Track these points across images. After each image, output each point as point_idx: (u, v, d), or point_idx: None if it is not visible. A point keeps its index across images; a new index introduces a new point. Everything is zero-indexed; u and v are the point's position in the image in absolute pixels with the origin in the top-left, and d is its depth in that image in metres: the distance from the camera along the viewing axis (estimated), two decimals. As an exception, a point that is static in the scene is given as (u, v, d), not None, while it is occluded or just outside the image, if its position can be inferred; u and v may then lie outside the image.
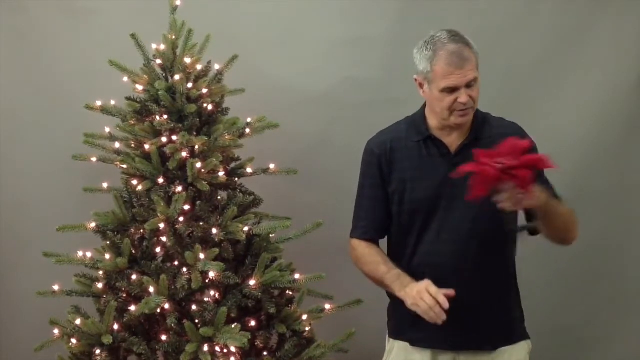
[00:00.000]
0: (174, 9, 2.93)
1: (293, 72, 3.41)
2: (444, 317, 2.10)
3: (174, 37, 2.90)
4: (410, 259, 2.30)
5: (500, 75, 3.26)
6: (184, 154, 2.75)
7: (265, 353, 2.81)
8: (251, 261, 2.80)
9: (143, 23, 3.01)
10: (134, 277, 2.73)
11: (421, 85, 2.28)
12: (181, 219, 2.73)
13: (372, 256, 2.34)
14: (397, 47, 3.39)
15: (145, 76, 2.89)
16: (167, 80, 2.89)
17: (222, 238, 2.73)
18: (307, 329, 2.83)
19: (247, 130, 2.93)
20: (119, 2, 3.39)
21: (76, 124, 3.11)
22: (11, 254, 3.52)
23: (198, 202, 2.77)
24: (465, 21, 3.33)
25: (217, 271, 2.64)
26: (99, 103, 2.95)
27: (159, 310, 2.67)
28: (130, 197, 2.87)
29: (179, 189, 2.76)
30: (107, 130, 2.99)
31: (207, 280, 2.71)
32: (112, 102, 2.96)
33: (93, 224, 2.83)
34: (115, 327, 2.73)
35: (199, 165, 2.74)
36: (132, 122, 2.87)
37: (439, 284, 2.16)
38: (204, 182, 2.75)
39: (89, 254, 2.82)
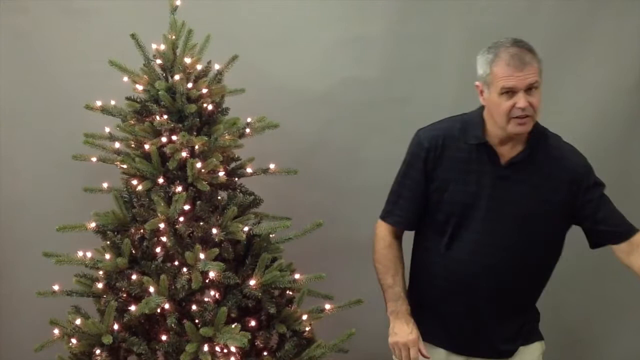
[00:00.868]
0: (174, 9, 2.92)
1: (293, 72, 3.41)
2: None
3: (174, 37, 2.89)
4: (440, 259, 2.29)
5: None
6: (184, 154, 2.75)
7: (265, 353, 2.80)
8: (251, 261, 2.80)
9: (143, 23, 3.01)
10: (134, 277, 2.73)
11: (482, 92, 2.22)
12: (181, 219, 2.73)
13: (387, 260, 2.34)
14: (397, 47, 3.40)
15: (145, 76, 2.89)
16: (167, 80, 2.89)
17: (222, 238, 2.72)
18: (307, 329, 2.83)
19: (247, 130, 2.92)
20: (119, 2, 3.39)
21: (76, 124, 3.11)
22: (11, 254, 3.52)
23: (198, 202, 2.77)
24: (465, 21, 3.34)
25: (217, 271, 2.64)
26: (99, 103, 2.95)
27: (159, 310, 2.67)
28: (130, 197, 2.87)
29: (179, 189, 2.75)
30: (107, 130, 2.98)
31: (207, 280, 2.71)
32: (112, 102, 2.96)
33: (93, 224, 2.83)
34: (115, 327, 2.72)
35: (199, 165, 2.74)
36: (132, 122, 2.87)
37: (461, 291, 2.16)
38: (204, 182, 2.75)
39: (89, 254, 2.82)
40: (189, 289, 2.67)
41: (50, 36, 3.44)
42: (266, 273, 2.73)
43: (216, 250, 2.68)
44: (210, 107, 2.88)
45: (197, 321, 2.70)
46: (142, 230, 2.79)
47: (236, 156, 2.98)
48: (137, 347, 2.71)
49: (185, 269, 2.70)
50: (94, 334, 2.70)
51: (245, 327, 2.71)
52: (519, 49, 2.14)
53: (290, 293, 2.91)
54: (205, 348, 2.62)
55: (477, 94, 2.25)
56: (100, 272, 2.81)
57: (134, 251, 2.79)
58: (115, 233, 2.81)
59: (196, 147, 2.79)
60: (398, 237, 2.40)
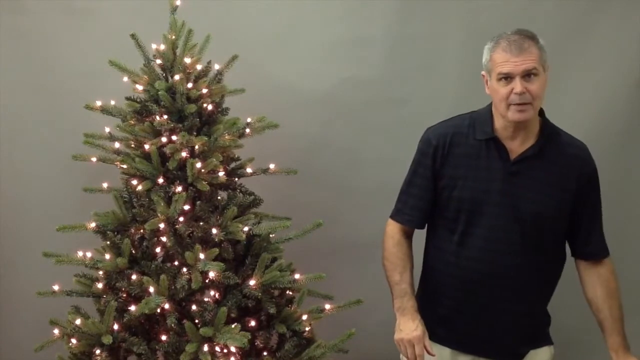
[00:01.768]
0: (174, 9, 2.93)
1: (293, 72, 3.41)
2: None
3: (174, 37, 2.89)
4: (451, 257, 2.29)
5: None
6: (184, 154, 2.75)
7: (265, 353, 2.80)
8: (251, 261, 2.80)
9: (143, 23, 3.01)
10: (134, 277, 2.73)
11: (486, 82, 2.23)
12: (181, 219, 2.73)
13: (396, 257, 2.34)
14: (397, 47, 3.40)
15: (145, 76, 2.89)
16: (167, 80, 2.89)
17: (222, 238, 2.73)
18: (307, 329, 2.83)
19: (247, 130, 2.92)
20: (119, 2, 3.39)
21: (76, 124, 3.11)
22: (11, 254, 3.52)
23: (198, 202, 2.77)
24: (465, 21, 3.34)
25: (217, 271, 2.64)
26: (99, 103, 2.95)
27: (159, 310, 2.67)
28: (130, 197, 2.87)
29: (179, 189, 2.76)
30: (107, 130, 2.99)
31: (207, 280, 2.71)
32: (112, 102, 2.96)
33: (93, 224, 2.83)
34: (115, 327, 2.73)
35: (199, 165, 2.74)
36: (132, 122, 2.87)
37: (473, 290, 2.16)
38: (204, 182, 2.75)
39: (89, 254, 2.82)
40: (189, 289, 2.67)
41: (51, 36, 3.44)
42: (266, 273, 2.73)
43: (216, 250, 2.68)
44: (210, 107, 2.88)
45: (197, 321, 2.70)
46: (142, 230, 2.79)
47: (236, 156, 2.98)
48: (137, 347, 2.71)
49: (185, 269, 2.70)
50: (94, 334, 2.70)
51: (245, 327, 2.71)
52: (519, 36, 2.15)
53: (290, 293, 2.91)
54: (205, 348, 2.62)
55: (483, 86, 2.25)
56: (100, 272, 2.81)
57: (134, 251, 2.79)
58: (115, 233, 2.81)
59: (196, 147, 2.79)
60: (408, 235, 2.40)
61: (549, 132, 2.24)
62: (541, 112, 2.27)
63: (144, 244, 2.81)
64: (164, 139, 2.80)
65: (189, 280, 2.65)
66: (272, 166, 3.01)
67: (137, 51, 2.90)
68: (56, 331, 2.80)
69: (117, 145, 2.93)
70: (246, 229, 2.76)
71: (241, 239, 2.74)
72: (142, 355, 2.73)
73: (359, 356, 2.98)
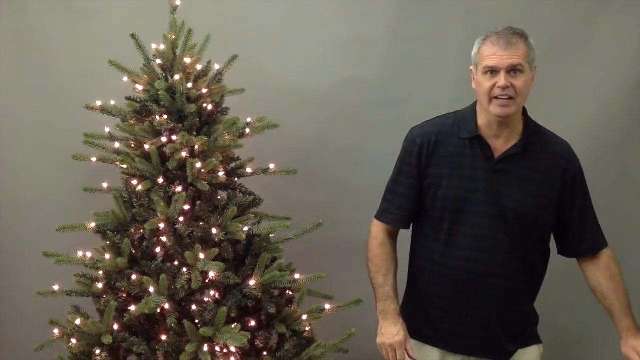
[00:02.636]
0: (174, 9, 2.93)
1: (293, 72, 3.41)
2: None
3: (174, 37, 2.89)
4: (437, 255, 2.29)
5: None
6: (184, 154, 2.75)
7: (265, 353, 2.80)
8: (251, 261, 2.80)
9: (143, 23, 3.01)
10: (134, 277, 2.73)
11: (473, 77, 2.26)
12: (181, 219, 2.73)
13: (380, 259, 2.34)
14: (397, 47, 3.40)
15: (145, 76, 2.89)
16: (167, 80, 2.89)
17: (222, 238, 2.73)
18: (307, 329, 2.83)
19: (247, 130, 2.93)
20: (119, 2, 3.39)
21: (76, 124, 3.11)
22: (11, 254, 3.52)
23: (198, 202, 2.77)
24: (465, 21, 3.34)
25: (217, 271, 2.64)
26: (99, 103, 2.95)
27: (159, 310, 2.67)
28: (130, 197, 2.87)
29: (179, 189, 2.76)
30: (107, 130, 2.99)
31: (207, 280, 2.71)
32: (112, 102, 2.96)
33: (93, 224, 2.83)
34: (115, 327, 2.72)
35: (199, 165, 2.74)
36: (132, 122, 2.88)
37: (460, 288, 2.16)
38: (204, 182, 2.75)
39: (89, 254, 2.82)
40: (189, 289, 2.67)
41: (50, 36, 3.44)
42: (266, 273, 2.73)
43: (216, 250, 2.68)
44: (210, 107, 2.88)
45: (197, 321, 2.70)
46: (142, 230, 2.79)
47: (236, 156, 2.98)
48: (137, 347, 2.71)
49: (185, 269, 2.70)
50: (94, 334, 2.70)
51: (245, 327, 2.71)
52: (509, 32, 2.18)
53: (290, 293, 2.91)
54: (205, 348, 2.62)
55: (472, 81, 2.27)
56: (100, 272, 2.81)
57: (133, 251, 2.79)
58: (115, 233, 2.81)
59: (196, 147, 2.79)
60: (393, 236, 2.40)
61: (532, 131, 2.26)
62: (525, 112, 2.28)
63: (144, 244, 2.81)
64: (164, 139, 2.80)
65: (189, 280, 2.65)
66: (272, 166, 3.01)
67: (137, 51, 2.90)
68: (56, 331, 2.80)
69: (117, 145, 2.93)
70: (246, 229, 2.76)
71: (241, 239, 2.74)
72: (142, 355, 2.73)
73: (359, 356, 2.98)
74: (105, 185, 2.94)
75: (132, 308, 2.69)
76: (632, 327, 2.23)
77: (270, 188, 3.06)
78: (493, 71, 2.15)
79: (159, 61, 2.90)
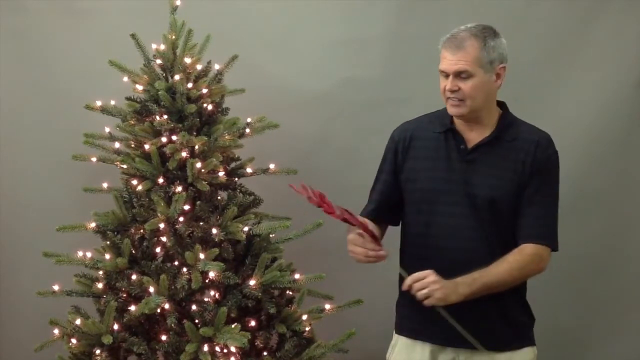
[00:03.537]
0: (174, 9, 2.93)
1: (293, 72, 3.41)
2: (383, 253, 2.14)
3: (174, 37, 2.90)
4: (419, 249, 2.30)
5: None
6: (184, 154, 2.75)
7: (265, 353, 2.80)
8: (251, 261, 2.80)
9: (143, 23, 3.01)
10: (134, 277, 2.73)
11: None
12: (181, 219, 2.73)
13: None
14: (397, 47, 3.40)
15: (145, 76, 2.89)
16: (167, 80, 2.89)
17: (222, 238, 2.73)
18: (307, 329, 2.83)
19: (247, 130, 2.93)
20: (119, 2, 3.39)
21: (76, 124, 3.11)
22: (11, 254, 3.52)
23: (198, 202, 2.77)
24: (465, 21, 3.33)
25: (217, 271, 2.64)
26: (99, 103, 2.95)
27: (159, 310, 2.67)
28: (130, 197, 2.87)
29: (179, 189, 2.76)
30: (107, 130, 2.99)
31: (207, 280, 2.71)
32: (112, 102, 2.96)
33: (93, 224, 2.83)
34: (115, 327, 2.73)
35: (199, 165, 2.74)
36: (132, 122, 2.88)
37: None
38: (204, 182, 2.75)
39: (89, 254, 2.83)
40: (189, 289, 2.67)
41: (50, 36, 3.44)
42: (266, 273, 2.73)
43: (216, 250, 2.68)
44: (210, 107, 2.88)
45: (197, 321, 2.70)
46: (142, 230, 2.79)
47: (236, 156, 2.98)
48: (137, 347, 2.71)
49: (185, 269, 2.70)
50: (94, 334, 2.70)
51: (245, 327, 2.71)
52: (466, 33, 2.18)
53: (290, 293, 2.91)
54: (205, 348, 2.62)
55: None
56: (100, 272, 2.81)
57: (134, 251, 2.79)
58: (115, 233, 2.81)
59: (196, 147, 2.79)
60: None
61: (508, 123, 2.27)
62: (503, 106, 2.30)
63: (144, 244, 2.81)
64: (164, 139, 2.80)
65: (189, 280, 2.65)
66: (272, 166, 3.01)
67: (137, 51, 2.90)
68: (56, 331, 2.80)
69: (117, 145, 2.93)
70: (246, 229, 2.76)
71: (241, 239, 2.74)
72: (142, 355, 2.73)
73: (359, 356, 2.98)
74: (105, 185, 2.94)
75: (132, 308, 2.69)
76: (455, 280, 2.13)
77: (270, 188, 3.06)
78: (444, 73, 2.20)
79: (159, 61, 2.90)
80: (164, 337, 2.72)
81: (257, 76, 3.27)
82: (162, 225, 2.71)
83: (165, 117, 2.82)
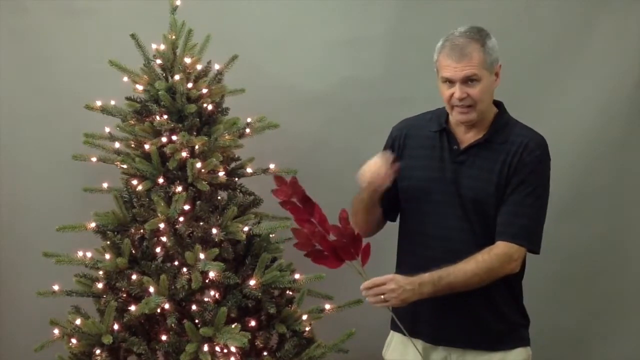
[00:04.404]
0: (174, 9, 2.93)
1: (293, 72, 3.41)
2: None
3: (174, 37, 2.90)
4: (411, 246, 2.32)
5: (500, 74, 3.26)
6: (184, 154, 2.75)
7: (265, 353, 2.81)
8: (251, 261, 2.80)
9: (143, 23, 3.01)
10: (134, 277, 2.73)
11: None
12: (181, 219, 2.73)
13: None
14: (397, 47, 3.40)
15: (145, 76, 2.89)
16: (167, 80, 2.89)
17: (222, 238, 2.73)
18: (307, 329, 2.84)
19: (247, 130, 2.93)
20: (119, 2, 3.39)
21: (76, 124, 3.11)
22: (11, 254, 3.52)
23: (198, 202, 2.77)
24: (465, 21, 3.33)
25: (217, 271, 2.64)
26: (99, 103, 2.95)
27: (159, 310, 2.67)
28: (130, 197, 2.87)
29: (179, 189, 2.76)
30: (107, 130, 2.99)
31: (207, 280, 2.71)
32: (112, 102, 2.96)
33: (93, 224, 2.83)
34: (115, 327, 2.73)
35: (199, 165, 2.74)
36: (132, 122, 2.88)
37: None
38: (204, 182, 2.75)
39: (89, 254, 2.83)
40: (189, 289, 2.67)
41: (50, 36, 3.44)
42: (266, 273, 2.73)
43: (216, 250, 2.68)
44: (210, 107, 2.88)
45: (197, 321, 2.70)
46: (142, 230, 2.79)
47: (236, 156, 2.98)
48: (137, 347, 2.71)
49: (185, 269, 2.70)
50: (94, 334, 2.70)
51: (245, 327, 2.71)
52: (465, 39, 2.17)
53: (290, 293, 2.91)
54: (205, 348, 2.62)
55: None
56: (100, 272, 2.81)
57: (134, 251, 2.80)
58: (115, 233, 2.81)
59: (196, 147, 2.79)
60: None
61: (502, 124, 2.26)
62: (500, 106, 2.29)
63: (144, 244, 2.81)
64: (164, 139, 2.80)
65: (189, 280, 2.65)
66: (272, 166, 3.01)
67: (137, 51, 2.90)
68: (56, 331, 2.80)
69: (117, 145, 2.94)
70: (246, 229, 2.76)
71: (241, 239, 2.74)
72: (142, 355, 2.73)
73: (359, 356, 2.98)
74: (105, 185, 2.94)
75: (132, 308, 2.69)
76: (421, 277, 2.13)
77: (270, 188, 3.05)
78: (450, 81, 2.18)
79: (159, 61, 2.90)
80: (164, 337, 2.72)
81: (257, 76, 3.27)
82: (162, 225, 2.71)
83: (165, 117, 2.82)
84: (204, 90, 2.87)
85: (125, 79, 2.92)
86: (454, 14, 3.32)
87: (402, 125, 2.40)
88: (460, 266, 2.14)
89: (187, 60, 2.89)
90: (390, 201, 2.37)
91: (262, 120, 2.98)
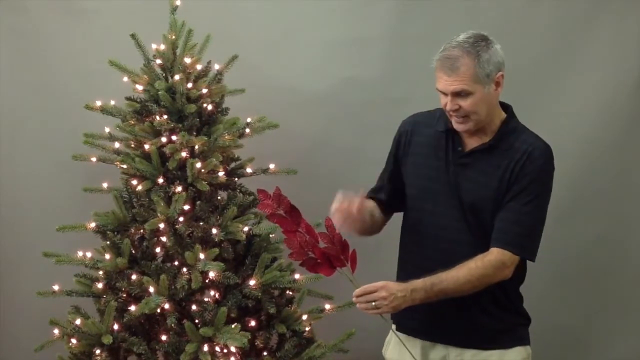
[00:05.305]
0: (174, 9, 2.93)
1: (293, 72, 3.41)
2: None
3: (174, 37, 2.90)
4: (412, 245, 2.32)
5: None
6: (184, 154, 2.76)
7: (265, 353, 2.81)
8: (251, 261, 2.80)
9: (143, 23, 3.01)
10: (134, 277, 2.73)
11: None
12: (181, 219, 2.73)
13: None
14: (397, 47, 3.40)
15: (145, 76, 2.89)
16: (167, 80, 2.89)
17: (222, 238, 2.73)
18: (307, 329, 2.84)
19: (247, 130, 2.93)
20: (119, 2, 3.39)
21: (76, 124, 3.12)
22: (11, 254, 3.52)
23: (198, 202, 2.77)
24: (465, 21, 3.33)
25: (217, 271, 2.64)
26: (99, 103, 2.95)
27: (159, 310, 2.67)
28: (130, 197, 2.87)
29: (179, 189, 2.76)
30: (107, 130, 2.99)
31: (207, 280, 2.71)
32: (112, 102, 2.96)
33: (93, 224, 2.83)
34: (115, 327, 2.73)
35: (198, 165, 2.74)
36: (132, 122, 2.88)
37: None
38: (204, 182, 2.75)
39: (89, 254, 2.83)
40: (189, 289, 2.67)
41: (50, 36, 3.43)
42: (266, 273, 2.73)
43: (216, 250, 2.68)
44: (210, 107, 2.88)
45: (197, 321, 2.70)
46: (142, 230, 2.79)
47: (236, 156, 2.98)
48: (137, 347, 2.71)
49: (185, 269, 2.70)
50: (94, 334, 2.70)
51: (245, 327, 2.71)
52: (458, 51, 2.14)
53: (290, 293, 2.91)
54: (205, 348, 2.62)
55: None
56: (100, 272, 2.81)
57: (133, 251, 2.80)
58: (115, 233, 2.81)
59: (196, 147, 2.79)
60: (380, 210, 2.40)
61: (509, 130, 2.24)
62: (508, 110, 2.28)
63: (144, 244, 2.81)
64: (164, 139, 2.80)
65: (189, 280, 2.65)
66: (272, 166, 3.01)
67: (137, 51, 2.90)
68: (56, 331, 2.80)
69: (117, 145, 2.93)
70: (246, 229, 2.76)
71: (241, 239, 2.74)
72: (142, 355, 2.73)
73: (359, 356, 2.98)
74: (105, 185, 2.94)
75: (132, 308, 2.69)
76: (413, 283, 2.14)
77: (270, 188, 3.05)
78: (442, 92, 2.19)
79: (159, 61, 2.90)
80: (164, 337, 2.73)
81: (257, 76, 3.27)
82: (162, 225, 2.71)
83: (165, 117, 2.82)
84: (204, 90, 2.87)
85: (125, 79, 2.92)
86: (454, 13, 3.33)
87: (410, 120, 2.40)
88: (452, 273, 2.14)
89: (187, 60, 2.89)
90: (395, 194, 2.38)
91: (262, 120, 2.98)
